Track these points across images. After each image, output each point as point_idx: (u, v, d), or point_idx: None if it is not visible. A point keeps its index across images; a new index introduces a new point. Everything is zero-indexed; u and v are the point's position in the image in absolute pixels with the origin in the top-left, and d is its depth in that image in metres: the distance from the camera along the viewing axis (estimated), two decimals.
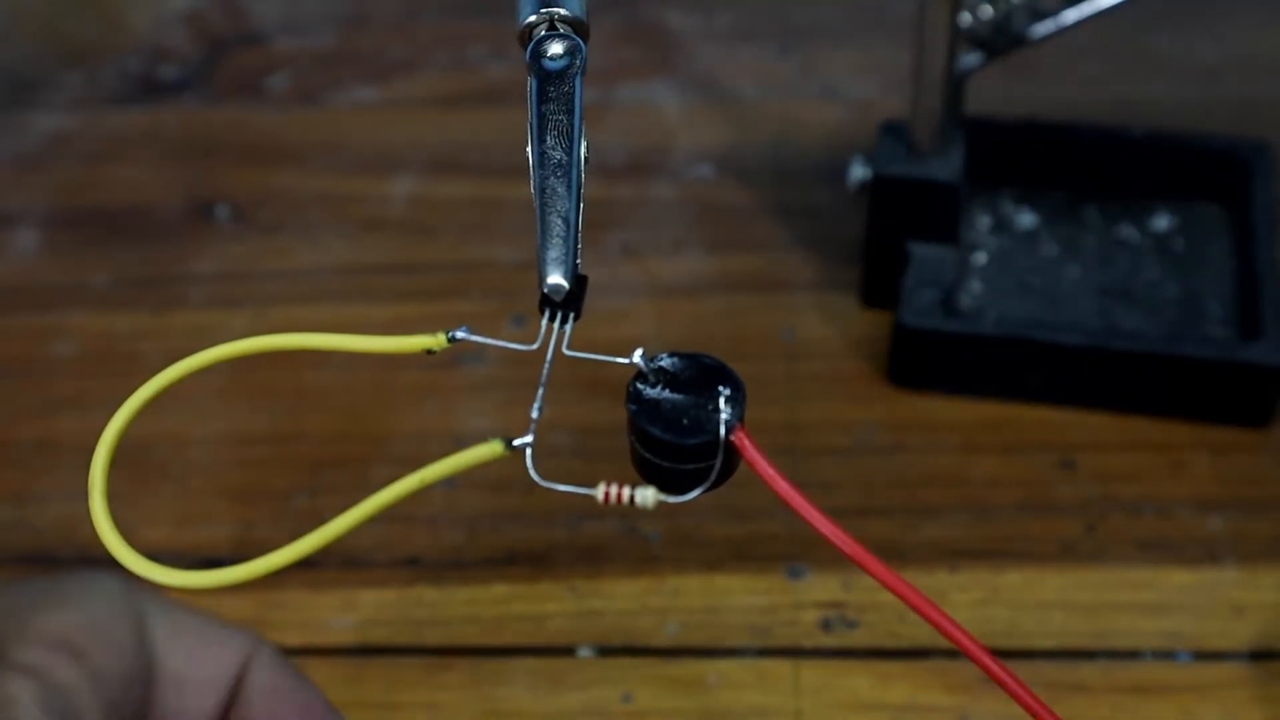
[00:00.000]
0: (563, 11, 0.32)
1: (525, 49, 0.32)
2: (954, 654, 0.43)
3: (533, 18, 0.32)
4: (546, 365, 0.30)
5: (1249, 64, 0.61)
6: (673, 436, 0.29)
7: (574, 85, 0.32)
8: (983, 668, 0.29)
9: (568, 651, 0.44)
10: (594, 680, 0.43)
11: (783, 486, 0.28)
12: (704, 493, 0.29)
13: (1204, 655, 0.43)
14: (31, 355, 0.53)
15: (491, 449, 0.29)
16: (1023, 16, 0.49)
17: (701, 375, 0.29)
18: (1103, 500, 0.47)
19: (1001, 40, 0.49)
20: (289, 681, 0.34)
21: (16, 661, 0.31)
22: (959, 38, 0.48)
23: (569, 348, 0.30)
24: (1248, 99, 0.60)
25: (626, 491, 0.29)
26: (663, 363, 0.29)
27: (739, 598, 0.45)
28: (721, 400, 0.29)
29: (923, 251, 0.50)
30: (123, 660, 0.32)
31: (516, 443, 0.29)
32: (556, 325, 0.30)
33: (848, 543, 0.28)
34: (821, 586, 0.45)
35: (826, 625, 0.44)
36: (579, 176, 0.31)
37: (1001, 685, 0.29)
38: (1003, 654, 0.43)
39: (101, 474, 0.29)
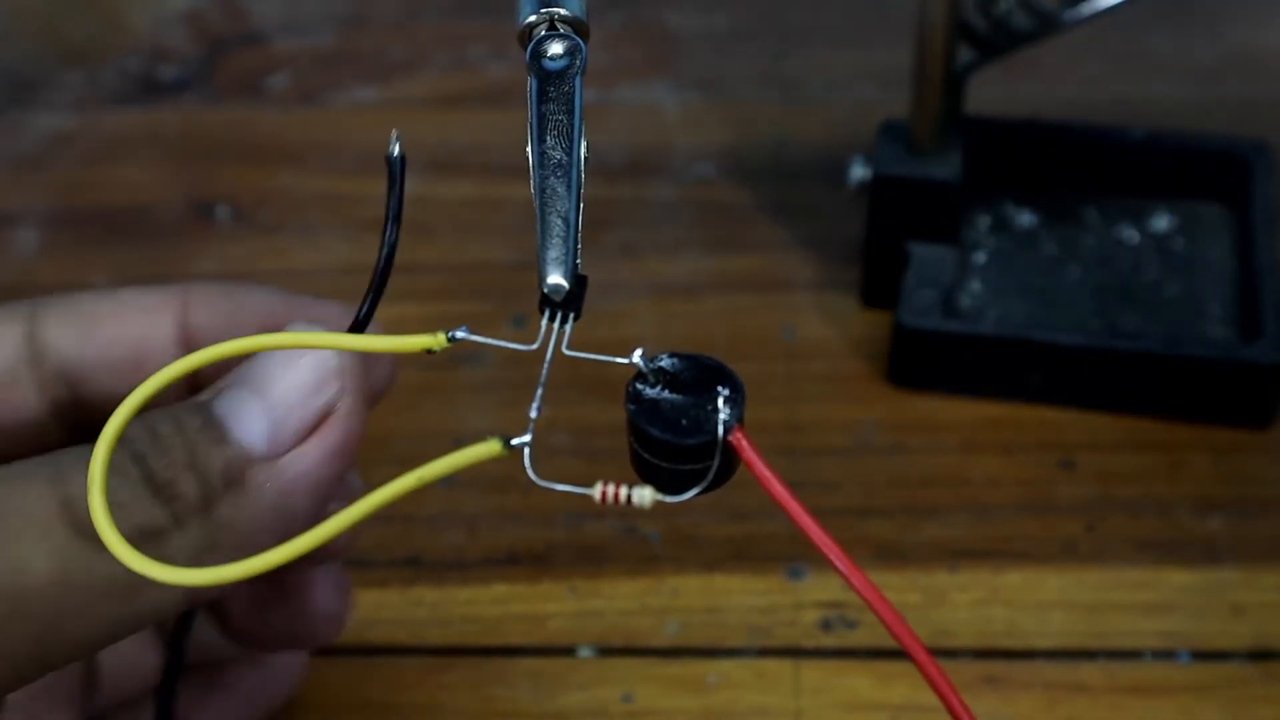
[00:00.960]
0: (563, 11, 0.32)
1: (525, 49, 0.32)
2: (953, 654, 0.43)
3: (533, 18, 0.32)
4: (546, 365, 0.30)
5: (1249, 64, 0.61)
6: (671, 436, 0.29)
7: (574, 85, 0.32)
8: (944, 699, 0.29)
9: (568, 651, 0.44)
10: (594, 680, 0.43)
11: (777, 489, 0.28)
12: (702, 493, 0.29)
13: (1204, 655, 0.43)
14: None
15: (489, 448, 0.29)
16: (1023, 16, 0.49)
17: (701, 375, 0.29)
18: (1103, 500, 0.47)
19: (1001, 40, 0.49)
20: (233, 302, 0.34)
21: None
22: (959, 38, 0.48)
23: (569, 348, 0.30)
24: (1248, 99, 0.60)
25: (623, 491, 0.29)
26: (662, 363, 0.30)
27: (739, 598, 0.45)
28: (720, 401, 0.29)
29: (923, 251, 0.50)
30: None
31: (515, 442, 0.29)
32: (556, 325, 0.30)
33: (836, 552, 0.28)
34: (821, 586, 0.45)
35: (826, 625, 0.44)
36: (579, 176, 0.31)
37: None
38: (1003, 654, 0.43)
39: (101, 472, 0.29)
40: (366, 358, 0.32)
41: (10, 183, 0.59)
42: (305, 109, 0.62)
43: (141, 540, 0.28)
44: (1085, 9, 0.49)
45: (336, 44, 0.65)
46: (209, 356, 0.30)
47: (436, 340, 0.30)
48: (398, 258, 0.56)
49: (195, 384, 0.34)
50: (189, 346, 0.34)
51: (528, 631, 0.44)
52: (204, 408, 0.30)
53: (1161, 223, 0.53)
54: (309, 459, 0.31)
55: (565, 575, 0.46)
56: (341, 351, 0.31)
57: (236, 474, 0.30)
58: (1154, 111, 0.58)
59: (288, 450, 0.30)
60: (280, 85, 0.63)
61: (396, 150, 0.31)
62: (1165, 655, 0.43)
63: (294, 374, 0.31)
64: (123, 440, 0.29)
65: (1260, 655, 0.43)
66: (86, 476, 0.28)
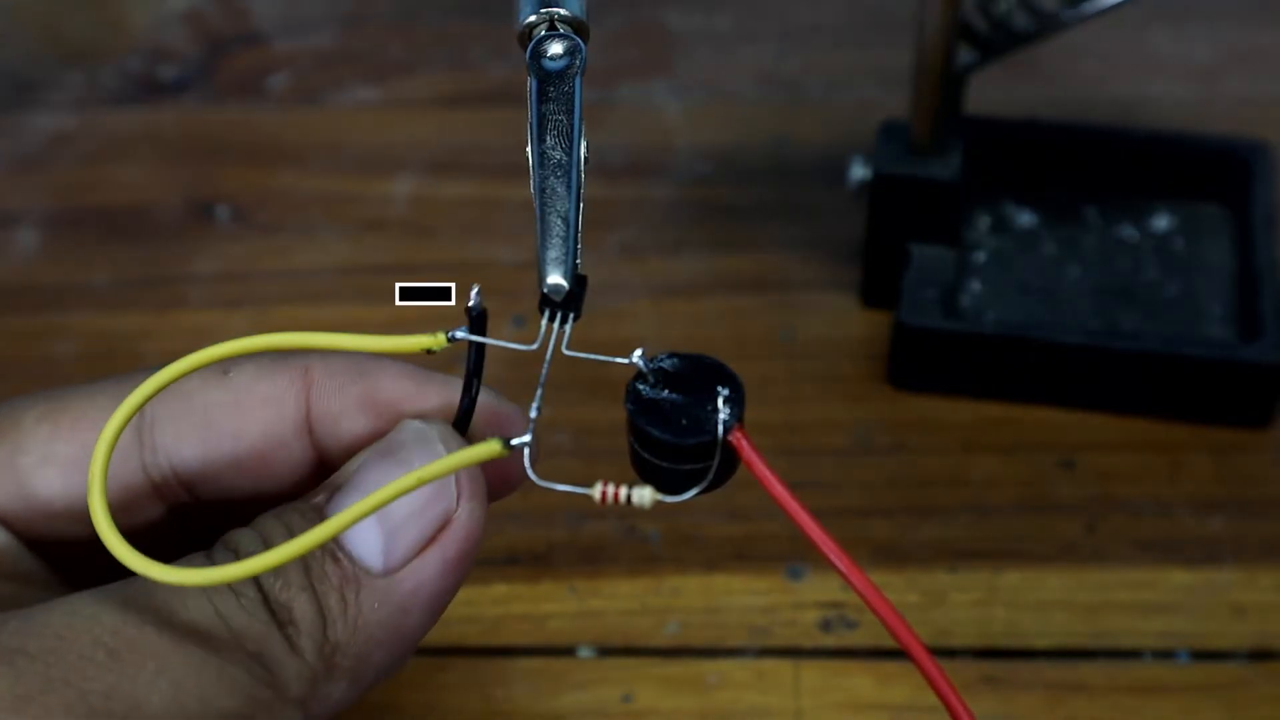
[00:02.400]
0: (563, 11, 0.32)
1: (525, 49, 0.32)
2: (953, 654, 0.43)
3: (533, 18, 0.32)
4: (546, 365, 0.30)
5: (1249, 64, 0.61)
6: (671, 436, 0.29)
7: (574, 85, 0.32)
8: (944, 700, 0.29)
9: (568, 651, 0.44)
10: (594, 680, 0.43)
11: (777, 489, 0.28)
12: (702, 493, 0.29)
13: (1204, 655, 0.43)
14: (31, 355, 0.53)
15: (490, 448, 0.29)
16: (1023, 16, 0.49)
17: (701, 375, 0.29)
18: (1103, 500, 0.47)
19: (1001, 40, 0.49)
20: (363, 386, 0.32)
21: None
22: (959, 38, 0.48)
23: (569, 348, 0.30)
24: (1248, 99, 0.60)
25: (623, 491, 0.29)
26: (662, 363, 0.30)
27: (739, 598, 0.45)
28: (720, 400, 0.29)
29: (923, 251, 0.50)
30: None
31: (515, 442, 0.29)
32: (556, 325, 0.30)
33: (836, 552, 0.29)
34: (821, 586, 0.45)
35: (826, 625, 0.44)
36: (579, 176, 0.31)
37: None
38: (1002, 654, 0.43)
39: (101, 472, 0.29)
40: (487, 468, 0.31)
41: (10, 183, 0.59)
42: (305, 109, 0.62)
43: (257, 664, 0.28)
44: (1085, 9, 0.49)
45: (336, 44, 0.65)
46: (207, 357, 0.30)
47: (436, 340, 0.30)
48: (397, 257, 0.56)
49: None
50: (316, 439, 0.32)
51: (528, 631, 0.44)
52: (319, 513, 0.30)
53: (1161, 223, 0.53)
54: (426, 572, 0.29)
55: (565, 575, 0.46)
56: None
57: (351, 594, 0.29)
58: (1154, 111, 0.58)
59: (403, 565, 0.29)
60: (280, 85, 0.63)
61: (475, 301, 0.30)
62: (1165, 655, 0.43)
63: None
64: (237, 551, 0.29)
65: (1260, 655, 0.43)
66: (200, 607, 0.28)
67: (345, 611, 0.29)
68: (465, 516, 0.30)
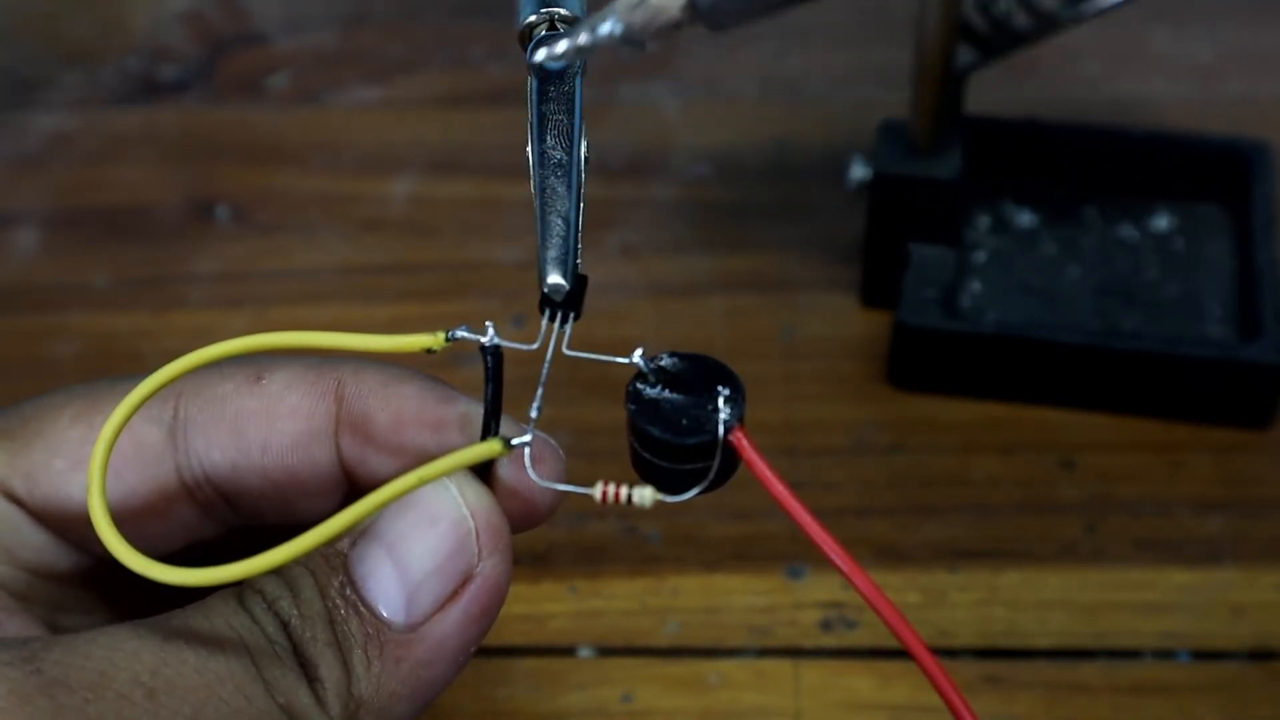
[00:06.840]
0: (563, 11, 0.32)
1: (525, 49, 0.32)
2: (953, 654, 0.43)
3: (533, 17, 0.32)
4: (546, 365, 0.30)
5: (1249, 63, 0.61)
6: (671, 436, 0.29)
7: (574, 85, 0.32)
8: (946, 700, 0.29)
9: (568, 651, 0.44)
10: (594, 680, 0.43)
11: (778, 489, 0.28)
12: (702, 493, 0.29)
13: (1204, 655, 0.43)
14: (31, 355, 0.53)
15: (490, 448, 0.29)
16: (1023, 16, 0.49)
17: (701, 375, 0.29)
18: (1103, 500, 0.47)
19: (1001, 40, 0.49)
20: (394, 405, 0.32)
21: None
22: (959, 38, 0.48)
23: (569, 348, 0.30)
24: (1248, 99, 0.60)
25: (624, 491, 0.29)
26: (662, 363, 0.30)
27: (739, 598, 0.45)
28: (721, 400, 0.29)
29: (923, 251, 0.50)
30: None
31: (515, 442, 0.29)
32: (556, 325, 0.30)
33: (837, 551, 0.29)
34: (821, 586, 0.45)
35: (826, 625, 0.44)
36: (579, 176, 0.31)
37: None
38: (1002, 654, 0.43)
39: (100, 472, 0.29)
40: (512, 506, 0.31)
41: (10, 183, 0.59)
42: (305, 109, 0.62)
43: (286, 716, 0.28)
44: (1085, 9, 0.49)
45: (336, 44, 0.65)
46: (207, 356, 0.30)
47: (436, 340, 0.30)
48: (397, 257, 0.56)
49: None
50: (343, 455, 0.32)
51: (528, 631, 0.44)
52: (344, 563, 0.29)
53: (1161, 223, 0.53)
54: (448, 627, 0.29)
55: (565, 575, 0.46)
56: (484, 508, 0.29)
57: (375, 650, 0.29)
58: (1154, 111, 0.58)
59: (426, 619, 0.29)
60: (280, 85, 0.63)
61: (489, 340, 0.30)
62: (1165, 655, 0.43)
63: (431, 537, 0.29)
64: (266, 599, 0.29)
65: (1260, 655, 0.43)
66: (237, 653, 0.28)
67: (369, 668, 0.29)
68: (488, 571, 0.30)
